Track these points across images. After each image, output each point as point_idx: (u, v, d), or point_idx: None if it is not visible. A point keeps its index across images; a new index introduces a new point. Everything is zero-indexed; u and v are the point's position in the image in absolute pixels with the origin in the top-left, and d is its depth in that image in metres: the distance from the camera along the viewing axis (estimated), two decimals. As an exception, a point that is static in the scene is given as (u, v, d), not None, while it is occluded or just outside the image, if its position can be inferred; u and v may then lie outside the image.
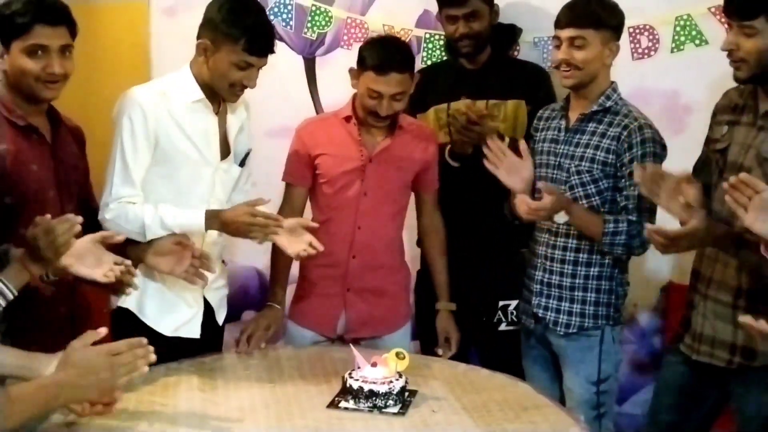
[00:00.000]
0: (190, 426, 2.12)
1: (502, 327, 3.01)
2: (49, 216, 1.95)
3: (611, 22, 2.59)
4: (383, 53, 2.65)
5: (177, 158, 2.50)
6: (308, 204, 2.88)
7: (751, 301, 2.30)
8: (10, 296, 1.84)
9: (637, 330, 3.35)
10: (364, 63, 2.66)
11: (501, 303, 3.01)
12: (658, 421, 2.61)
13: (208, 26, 2.45)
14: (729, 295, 2.34)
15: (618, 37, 2.63)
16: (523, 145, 2.71)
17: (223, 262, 2.79)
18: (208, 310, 2.67)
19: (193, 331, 2.63)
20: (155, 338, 2.47)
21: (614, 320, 2.67)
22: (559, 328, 2.66)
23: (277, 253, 2.75)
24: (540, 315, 2.70)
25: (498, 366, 2.65)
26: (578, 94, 2.66)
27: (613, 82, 2.65)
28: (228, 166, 2.62)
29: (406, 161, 2.80)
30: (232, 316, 2.93)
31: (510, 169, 2.63)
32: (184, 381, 2.39)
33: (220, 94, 2.52)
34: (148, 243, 2.41)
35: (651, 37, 3.20)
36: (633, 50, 3.20)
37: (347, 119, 2.76)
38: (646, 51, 3.21)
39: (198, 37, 2.48)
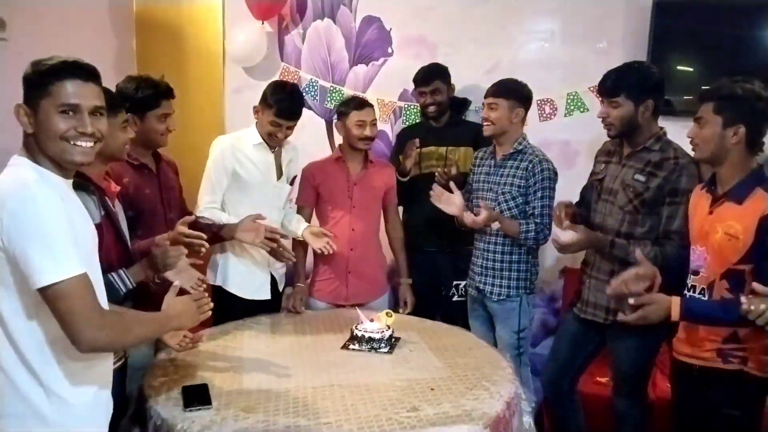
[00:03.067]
0: (251, 361, 2.10)
1: (455, 298, 2.95)
2: (166, 236, 1.95)
3: (516, 95, 2.54)
4: (359, 99, 2.80)
5: (249, 179, 2.55)
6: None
7: None
8: (131, 286, 1.81)
9: (545, 298, 3.32)
10: (346, 110, 2.66)
11: (455, 282, 2.94)
12: (557, 358, 2.57)
13: (262, 97, 2.53)
14: (605, 275, 2.31)
15: (523, 106, 2.57)
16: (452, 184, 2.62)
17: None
18: (273, 281, 2.68)
19: (265, 294, 2.64)
20: (237, 301, 2.54)
21: (529, 290, 2.62)
22: (493, 296, 2.62)
23: (296, 251, 2.72)
24: (480, 288, 2.66)
25: (452, 323, 2.64)
26: (498, 142, 2.62)
27: (524, 134, 2.61)
28: (281, 185, 2.66)
29: (378, 183, 2.77)
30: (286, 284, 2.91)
31: (447, 201, 2.58)
32: (247, 333, 2.38)
33: (264, 138, 2.55)
34: (235, 225, 2.40)
35: (551, 106, 3.19)
36: (540, 115, 3.18)
37: (337, 159, 2.75)
38: (548, 115, 3.20)
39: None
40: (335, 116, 2.77)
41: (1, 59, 2.51)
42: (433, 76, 2.95)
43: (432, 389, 1.87)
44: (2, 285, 1.31)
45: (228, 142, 2.56)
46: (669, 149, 2.23)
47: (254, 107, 2.55)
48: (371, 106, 2.71)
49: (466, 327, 2.71)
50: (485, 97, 2.59)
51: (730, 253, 1.82)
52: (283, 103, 2.46)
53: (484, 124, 2.58)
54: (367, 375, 1.99)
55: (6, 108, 1.46)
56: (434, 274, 2.97)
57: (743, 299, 1.61)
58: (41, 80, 1.34)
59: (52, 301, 1.26)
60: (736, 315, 1.63)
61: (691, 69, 3.03)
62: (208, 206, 2.52)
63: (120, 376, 1.86)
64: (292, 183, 2.73)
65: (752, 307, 1.58)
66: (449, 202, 2.62)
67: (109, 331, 1.32)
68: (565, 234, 2.29)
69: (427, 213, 2.88)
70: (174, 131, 2.31)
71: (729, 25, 2.93)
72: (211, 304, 1.67)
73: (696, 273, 1.93)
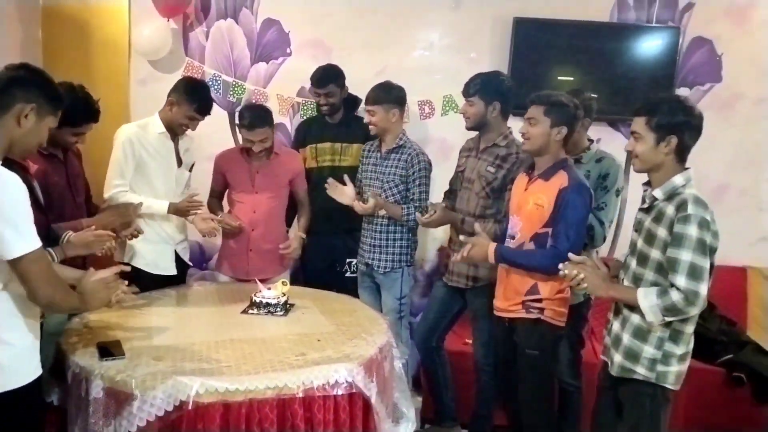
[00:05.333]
0: (159, 324, 2.29)
1: (348, 274, 3.20)
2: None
3: (388, 100, 2.80)
4: (251, 116, 2.77)
5: (152, 165, 2.71)
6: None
7: None
8: (57, 261, 2.02)
9: (424, 273, 3.65)
10: (239, 124, 2.81)
11: (348, 260, 3.20)
12: (427, 318, 2.92)
13: (177, 91, 2.70)
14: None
15: (397, 106, 2.82)
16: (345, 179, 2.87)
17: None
18: (178, 257, 2.87)
19: (171, 270, 2.82)
20: (146, 276, 2.69)
21: (409, 263, 2.93)
22: (379, 269, 2.92)
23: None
24: (369, 263, 2.94)
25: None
26: (382, 139, 2.92)
27: (404, 130, 2.92)
28: (181, 172, 2.83)
29: (281, 171, 2.93)
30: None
31: (341, 192, 2.85)
32: (155, 303, 2.54)
33: (174, 129, 2.74)
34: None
35: (430, 107, 3.49)
36: (420, 114, 3.48)
37: (242, 150, 2.92)
38: (428, 114, 3.50)
39: (168, 96, 2.72)
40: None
41: None
42: (327, 79, 3.18)
43: (319, 340, 2.16)
44: None
45: (133, 129, 2.71)
46: (513, 146, 2.67)
47: (169, 100, 2.69)
48: (264, 125, 2.76)
49: (356, 298, 2.95)
50: (365, 104, 2.88)
51: (538, 219, 2.30)
52: (204, 101, 2.70)
53: (372, 127, 2.88)
54: (263, 332, 2.23)
55: None
56: (329, 253, 3.25)
57: (561, 266, 2.04)
58: (59, 104, 1.67)
59: (22, 268, 1.52)
60: (536, 264, 2.22)
61: (544, 77, 3.49)
62: (118, 190, 2.67)
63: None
64: (190, 170, 2.91)
65: (566, 271, 2.02)
66: (342, 193, 2.89)
67: (61, 293, 1.62)
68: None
69: (322, 201, 3.11)
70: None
71: (577, 40, 3.45)
72: (123, 289, 1.88)
73: (513, 237, 2.39)
